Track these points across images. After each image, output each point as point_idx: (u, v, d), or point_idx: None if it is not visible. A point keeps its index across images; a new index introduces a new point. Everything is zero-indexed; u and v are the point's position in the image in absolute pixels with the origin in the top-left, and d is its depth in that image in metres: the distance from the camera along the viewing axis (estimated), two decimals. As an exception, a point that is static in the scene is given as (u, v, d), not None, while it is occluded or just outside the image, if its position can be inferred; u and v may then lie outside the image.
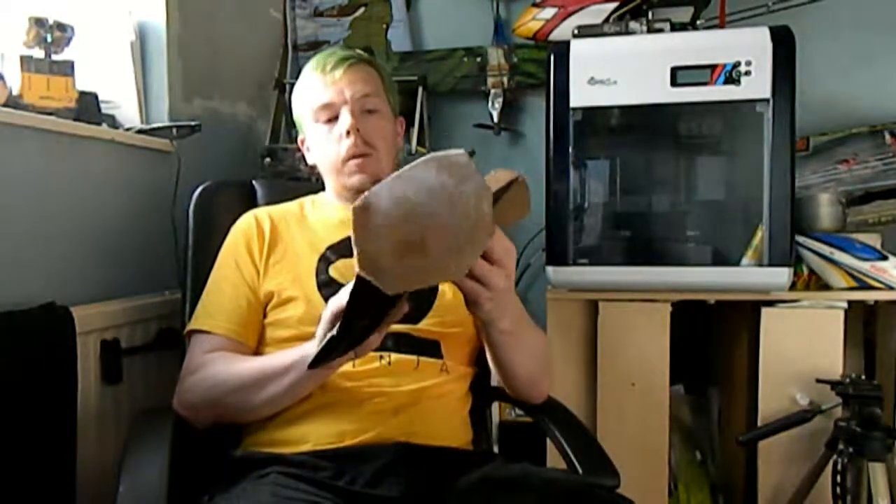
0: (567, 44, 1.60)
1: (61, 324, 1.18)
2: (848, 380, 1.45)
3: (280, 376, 1.00)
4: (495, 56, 2.06)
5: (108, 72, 1.56)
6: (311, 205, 1.25)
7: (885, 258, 1.57)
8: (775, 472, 1.59)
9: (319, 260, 1.13)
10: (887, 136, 1.78)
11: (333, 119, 1.16)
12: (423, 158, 0.72)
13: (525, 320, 1.05)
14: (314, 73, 1.18)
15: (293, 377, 0.99)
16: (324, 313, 0.89)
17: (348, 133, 1.13)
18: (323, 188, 1.29)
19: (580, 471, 1.01)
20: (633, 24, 1.68)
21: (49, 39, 1.36)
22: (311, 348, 0.94)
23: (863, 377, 1.46)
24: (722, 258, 1.59)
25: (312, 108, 1.17)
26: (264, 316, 1.12)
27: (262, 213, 1.21)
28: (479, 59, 2.07)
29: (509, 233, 0.84)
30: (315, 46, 2.20)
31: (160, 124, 1.57)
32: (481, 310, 0.86)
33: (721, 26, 1.79)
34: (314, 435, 1.03)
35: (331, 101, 1.15)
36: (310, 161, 1.24)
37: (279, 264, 1.14)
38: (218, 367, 1.06)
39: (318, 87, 1.17)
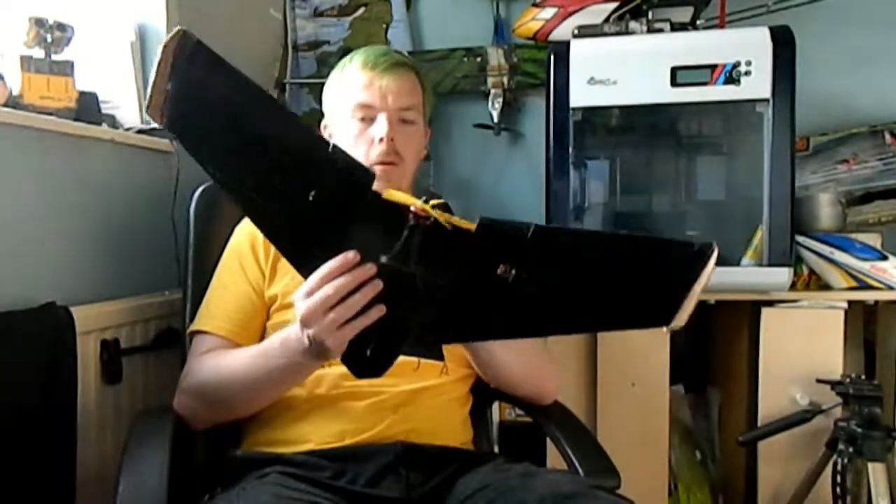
0: (567, 44, 1.60)
1: (61, 324, 1.18)
2: (848, 380, 1.45)
3: (259, 366, 0.99)
4: (495, 56, 2.06)
5: (108, 72, 1.56)
6: None
7: (885, 258, 1.57)
8: (775, 472, 1.59)
9: None
10: (887, 136, 1.78)
11: (368, 120, 1.14)
12: None
13: None
14: (362, 68, 1.15)
15: (271, 366, 0.97)
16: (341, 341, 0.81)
17: (381, 140, 1.12)
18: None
19: (580, 471, 1.01)
20: (633, 24, 1.68)
21: (49, 39, 1.35)
22: (291, 332, 0.91)
23: (863, 377, 1.46)
24: (722, 258, 1.57)
25: (350, 103, 1.15)
26: (267, 318, 1.12)
27: None
28: (479, 59, 2.07)
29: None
30: (315, 46, 2.20)
31: (160, 124, 1.57)
32: None
33: (721, 26, 1.79)
34: (315, 435, 1.03)
35: (372, 103, 1.13)
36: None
37: (285, 267, 1.13)
38: (210, 364, 1.05)
39: (361, 84, 1.14)
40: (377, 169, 1.14)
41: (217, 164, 0.76)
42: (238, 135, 0.75)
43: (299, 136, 0.76)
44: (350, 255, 0.77)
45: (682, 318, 0.77)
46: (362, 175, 0.76)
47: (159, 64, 0.72)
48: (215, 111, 0.75)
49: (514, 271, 0.75)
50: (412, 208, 0.76)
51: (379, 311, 0.78)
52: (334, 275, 0.77)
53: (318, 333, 0.80)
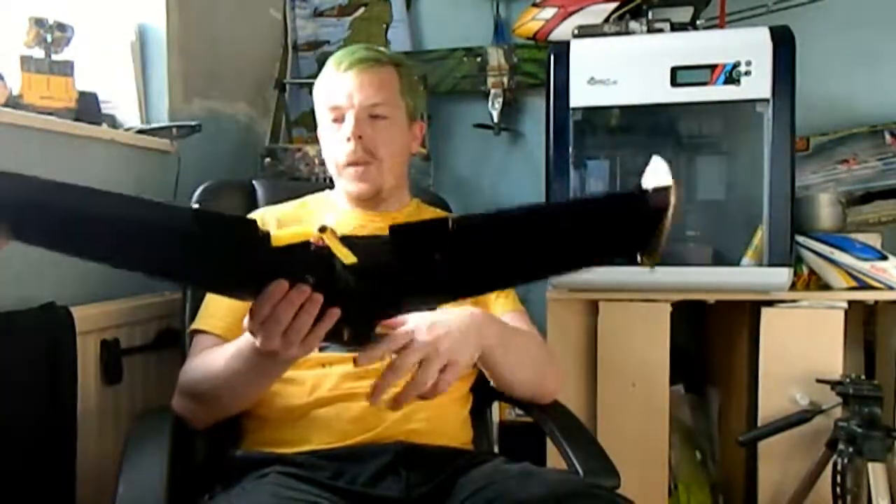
0: (567, 44, 1.60)
1: (61, 324, 1.18)
2: (848, 380, 1.45)
3: (237, 363, 0.95)
4: (495, 56, 2.06)
5: (108, 72, 1.56)
6: (315, 205, 1.24)
7: (885, 258, 1.57)
8: (775, 472, 1.59)
9: None
10: (887, 136, 1.78)
11: (340, 120, 1.15)
12: None
13: (507, 332, 1.04)
14: (332, 69, 1.16)
15: (247, 361, 0.94)
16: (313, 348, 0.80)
17: (348, 139, 1.13)
18: (324, 188, 1.29)
19: (580, 471, 1.01)
20: (633, 24, 1.68)
21: (49, 39, 1.36)
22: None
23: (863, 377, 1.46)
24: (722, 258, 1.59)
25: (324, 106, 1.16)
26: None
27: (270, 214, 1.19)
28: (479, 59, 2.07)
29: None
30: (315, 46, 2.20)
31: (160, 124, 1.57)
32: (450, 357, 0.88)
33: (721, 26, 1.79)
34: (315, 435, 1.03)
35: (339, 103, 1.14)
36: (322, 154, 1.24)
37: None
38: (200, 363, 1.04)
39: (330, 85, 1.15)
40: (350, 170, 1.14)
41: (102, 258, 0.71)
42: (91, 233, 0.68)
43: (151, 218, 0.69)
44: (277, 286, 0.74)
45: (655, 257, 0.76)
46: (238, 230, 0.70)
47: None
48: (48, 217, 0.67)
49: (447, 257, 0.72)
50: (311, 240, 0.73)
51: (333, 315, 0.76)
52: (272, 304, 0.74)
53: (282, 352, 0.79)
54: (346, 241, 0.73)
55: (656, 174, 0.75)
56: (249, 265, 0.73)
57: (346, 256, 0.72)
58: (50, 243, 0.70)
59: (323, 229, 0.72)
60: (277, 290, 0.74)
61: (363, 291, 0.75)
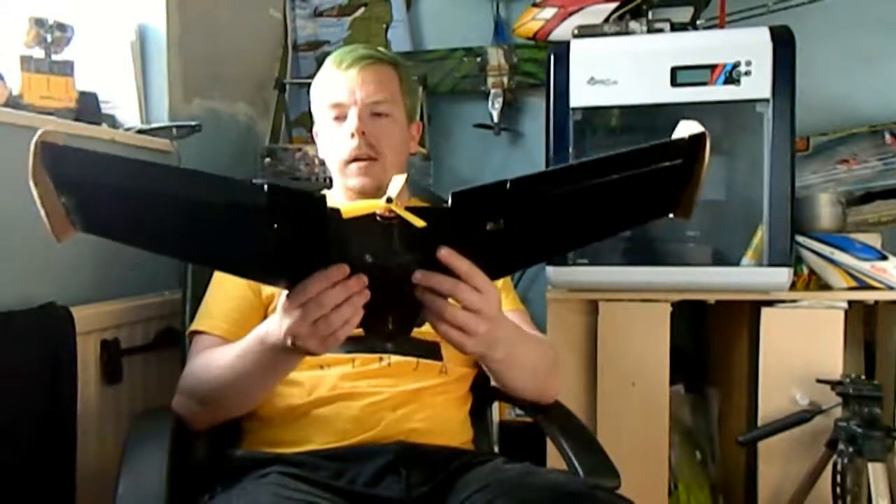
0: (567, 44, 1.60)
1: (61, 324, 1.18)
2: (848, 380, 1.45)
3: (242, 362, 0.96)
4: (495, 56, 2.06)
5: (108, 72, 1.56)
6: None
7: (885, 258, 1.57)
8: (775, 472, 1.59)
9: None
10: (887, 136, 1.78)
11: (343, 118, 1.15)
12: None
13: (519, 339, 1.00)
14: (332, 67, 1.17)
15: (254, 360, 0.94)
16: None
17: (352, 135, 1.13)
18: (323, 188, 1.29)
19: (580, 471, 1.01)
20: (633, 24, 1.68)
21: (49, 39, 1.36)
22: (270, 331, 0.88)
23: (863, 377, 1.46)
24: (722, 258, 1.59)
25: (325, 104, 1.17)
26: (265, 316, 1.12)
27: None
28: (479, 59, 2.07)
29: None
30: (315, 46, 2.20)
31: (160, 124, 1.57)
32: (469, 352, 0.84)
33: (721, 26, 1.79)
34: (316, 435, 1.03)
35: (341, 100, 1.14)
36: (319, 154, 1.24)
37: None
38: (201, 363, 1.05)
39: (331, 83, 1.16)
40: (353, 166, 1.14)
41: (160, 245, 0.74)
42: (160, 215, 0.70)
43: (221, 194, 0.69)
44: (338, 269, 0.73)
45: (689, 210, 0.76)
46: (311, 203, 0.70)
47: (37, 185, 0.66)
48: (121, 199, 0.69)
49: (502, 223, 0.73)
50: (377, 213, 0.74)
51: (358, 316, 0.76)
52: (324, 286, 0.74)
53: (303, 344, 0.79)
54: (411, 210, 0.74)
55: (687, 128, 0.77)
56: (317, 241, 0.73)
57: (416, 221, 0.73)
58: (117, 229, 0.72)
59: (390, 200, 0.73)
60: (338, 272, 0.73)
61: (418, 267, 0.75)
